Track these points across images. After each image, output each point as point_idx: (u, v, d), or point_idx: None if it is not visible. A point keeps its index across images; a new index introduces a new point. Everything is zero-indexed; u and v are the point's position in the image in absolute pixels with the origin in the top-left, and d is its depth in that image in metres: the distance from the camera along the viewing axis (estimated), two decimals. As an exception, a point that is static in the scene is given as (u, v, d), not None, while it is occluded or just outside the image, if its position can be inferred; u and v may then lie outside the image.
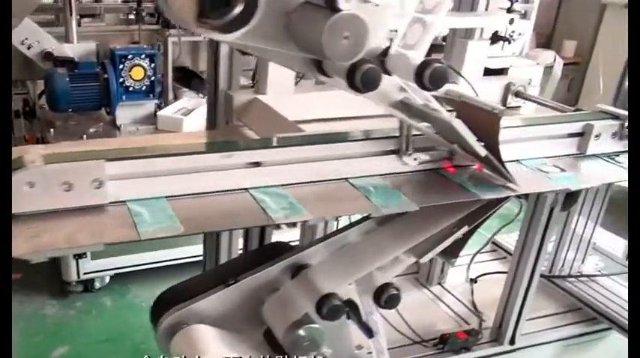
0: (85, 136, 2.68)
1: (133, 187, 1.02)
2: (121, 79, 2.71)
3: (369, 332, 1.25)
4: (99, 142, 1.69)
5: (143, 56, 2.72)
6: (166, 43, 3.08)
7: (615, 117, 1.42)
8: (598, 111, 1.46)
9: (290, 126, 1.41)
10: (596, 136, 1.38)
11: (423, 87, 1.02)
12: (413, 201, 1.09)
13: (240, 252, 1.84)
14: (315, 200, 1.07)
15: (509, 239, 2.43)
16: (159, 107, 2.91)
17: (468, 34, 1.81)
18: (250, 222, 1.06)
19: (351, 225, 1.24)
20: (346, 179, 1.15)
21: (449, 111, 1.17)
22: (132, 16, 3.42)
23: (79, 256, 2.64)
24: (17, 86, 3.23)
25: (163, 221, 0.96)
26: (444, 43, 2.00)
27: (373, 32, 0.95)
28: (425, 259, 1.25)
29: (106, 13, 3.54)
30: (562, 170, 1.29)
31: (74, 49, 2.79)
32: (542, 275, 2.09)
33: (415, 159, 1.22)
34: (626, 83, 1.96)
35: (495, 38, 1.91)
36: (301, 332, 1.14)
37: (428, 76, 1.00)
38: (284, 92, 1.63)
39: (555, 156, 1.35)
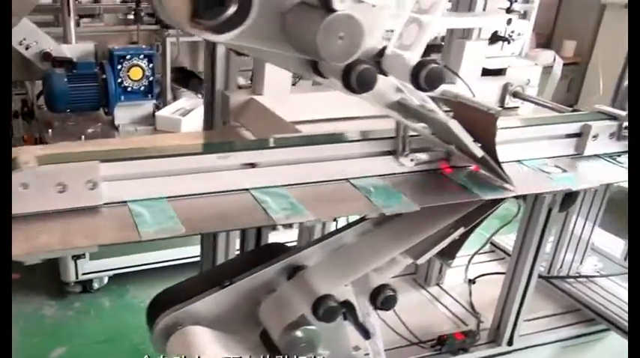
0: (83, 137, 2.67)
1: (129, 188, 1.02)
2: (120, 80, 2.71)
3: (365, 333, 1.24)
4: (95, 143, 1.70)
5: (141, 56, 2.72)
6: (165, 43, 3.08)
7: (613, 117, 1.42)
8: (596, 112, 1.45)
9: (286, 126, 1.40)
10: (594, 137, 1.37)
11: (418, 87, 1.02)
12: (414, 202, 1.08)
13: (237, 252, 1.84)
14: (316, 200, 1.07)
15: (508, 240, 2.43)
16: (157, 107, 2.91)
17: (466, 34, 1.81)
18: (251, 222, 1.05)
19: (348, 226, 1.24)
20: (347, 179, 1.15)
21: (446, 111, 1.17)
22: (131, 17, 3.42)
23: (77, 257, 2.64)
24: (15, 86, 3.23)
25: (164, 222, 0.95)
26: (442, 44, 1.99)
27: (368, 32, 0.95)
28: (422, 260, 1.24)
29: (105, 14, 3.54)
30: (563, 170, 1.29)
31: (72, 50, 2.78)
32: (540, 276, 2.08)
33: (412, 160, 1.21)
34: (625, 83, 1.96)
35: (495, 38, 1.90)
36: (297, 333, 1.14)
37: (424, 76, 0.99)
38: (281, 92, 1.63)
39: (553, 157, 1.35)
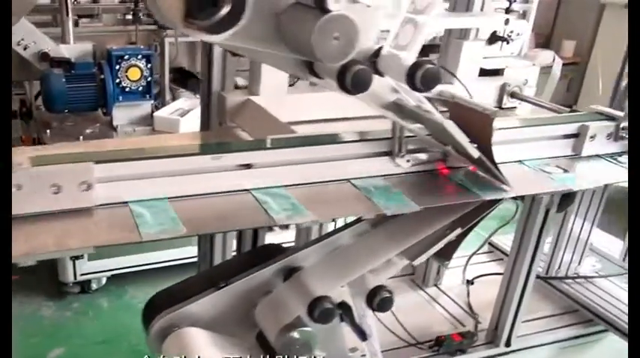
0: (81, 137, 2.67)
1: (124, 189, 1.01)
2: (118, 80, 2.70)
3: (362, 334, 1.24)
4: (91, 144, 1.69)
5: (139, 57, 2.71)
6: (163, 43, 3.08)
7: (611, 118, 1.41)
8: (593, 113, 1.45)
9: (282, 127, 1.40)
10: (592, 137, 1.37)
11: (414, 88, 1.01)
12: (414, 202, 1.08)
13: (234, 253, 1.83)
14: (317, 201, 1.07)
15: (506, 240, 2.42)
16: (156, 108, 2.90)
17: (463, 34, 1.81)
18: (252, 222, 1.05)
19: (344, 227, 1.23)
20: (348, 180, 1.15)
21: (442, 112, 1.17)
22: (129, 17, 3.41)
23: (75, 257, 2.63)
24: (14, 87, 3.22)
25: (165, 222, 0.95)
26: (441, 43, 1.99)
27: (364, 33, 0.94)
28: (418, 261, 1.24)
29: (104, 14, 3.53)
30: (564, 170, 1.29)
31: (70, 50, 2.77)
32: (538, 277, 2.08)
33: (408, 160, 1.21)
34: (623, 84, 1.95)
35: (494, 38, 1.90)
36: (293, 335, 1.13)
37: (420, 77, 0.99)
38: (277, 93, 1.62)
39: (550, 158, 1.34)
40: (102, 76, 2.67)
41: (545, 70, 2.51)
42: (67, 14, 2.76)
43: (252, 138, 1.50)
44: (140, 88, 2.75)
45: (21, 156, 0.95)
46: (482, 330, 1.96)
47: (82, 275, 2.70)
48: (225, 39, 0.90)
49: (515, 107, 1.92)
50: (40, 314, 2.65)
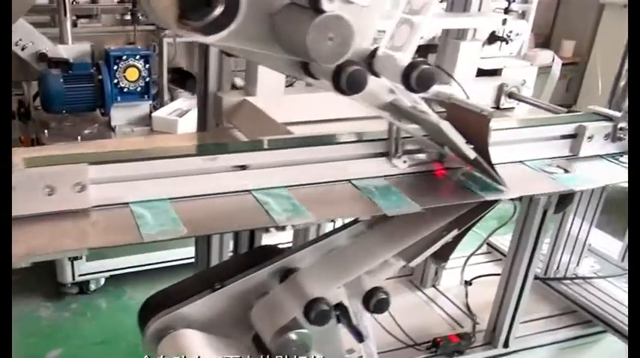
0: (79, 137, 2.66)
1: (122, 190, 1.01)
2: (116, 80, 2.69)
3: (359, 336, 1.24)
4: (88, 145, 1.69)
5: (137, 57, 2.70)
6: (161, 43, 3.07)
7: (608, 118, 1.41)
8: (591, 113, 1.45)
9: (278, 128, 1.40)
10: (589, 138, 1.37)
11: (410, 89, 1.01)
12: (416, 203, 1.08)
13: (231, 254, 1.83)
14: (318, 202, 1.07)
15: (505, 241, 2.41)
16: (154, 108, 2.90)
17: (461, 34, 1.80)
18: (253, 223, 1.05)
19: (340, 228, 1.23)
20: (349, 180, 1.15)
21: (440, 112, 1.16)
22: (128, 17, 3.41)
23: (74, 258, 2.63)
24: (12, 87, 3.22)
25: (166, 223, 0.95)
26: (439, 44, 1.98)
27: (359, 33, 0.94)
28: (414, 263, 1.23)
29: (103, 14, 3.53)
30: (565, 171, 1.28)
31: (68, 50, 2.77)
32: (537, 278, 2.08)
33: (405, 161, 1.21)
34: (621, 84, 1.95)
35: (493, 38, 1.90)
36: (289, 337, 1.13)
37: (415, 77, 0.99)
38: (274, 94, 1.62)
39: (547, 158, 1.34)
40: (100, 77, 2.66)
41: (545, 70, 2.51)
42: (65, 14, 2.76)
43: (248, 138, 1.50)
44: (138, 89, 2.75)
45: (15, 157, 0.95)
46: (480, 331, 1.96)
47: (81, 275, 2.69)
48: (220, 40, 0.89)
49: (513, 107, 1.92)
50: (38, 315, 2.64)
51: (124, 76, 2.70)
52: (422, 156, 1.23)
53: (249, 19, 0.90)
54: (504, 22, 1.79)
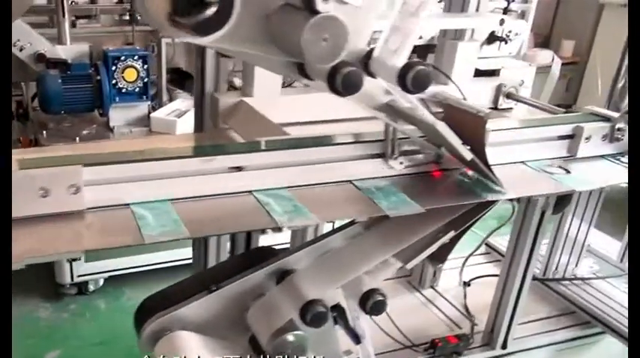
0: (78, 138, 2.66)
1: (116, 192, 1.01)
2: (114, 81, 2.69)
3: (356, 337, 1.23)
4: (82, 146, 1.68)
5: (136, 57, 2.70)
6: (160, 44, 3.06)
7: (606, 119, 1.40)
8: (588, 113, 1.44)
9: (275, 129, 1.39)
10: (587, 139, 1.36)
11: (406, 89, 1.01)
12: (417, 204, 1.08)
13: (229, 255, 1.82)
14: (318, 203, 1.06)
15: (504, 241, 2.40)
16: (153, 109, 2.90)
17: (458, 35, 1.80)
18: (255, 224, 1.05)
19: (337, 229, 1.23)
20: (350, 181, 1.15)
21: (438, 113, 1.16)
22: (126, 18, 3.40)
23: (72, 259, 2.63)
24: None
25: (167, 224, 0.95)
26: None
27: (354, 34, 0.94)
28: (411, 264, 1.23)
29: (102, 14, 3.52)
30: (567, 171, 1.28)
31: (67, 51, 2.77)
32: (535, 278, 2.07)
33: (401, 162, 1.21)
34: (620, 84, 1.94)
35: (492, 38, 1.89)
36: (285, 338, 1.13)
37: (411, 78, 0.99)
38: (271, 94, 1.61)
39: (544, 159, 1.34)
40: (98, 77, 2.66)
41: (545, 70, 2.50)
42: (64, 15, 2.75)
43: (244, 140, 1.50)
44: (137, 89, 2.75)
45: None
46: (479, 332, 1.95)
47: (79, 276, 2.69)
48: (214, 41, 0.89)
49: (511, 108, 1.91)
50: (36, 316, 2.64)
51: (123, 77, 2.70)
52: (419, 157, 1.23)
53: (244, 20, 0.90)
54: (502, 22, 1.78)
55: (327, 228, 1.38)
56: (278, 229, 1.06)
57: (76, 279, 2.69)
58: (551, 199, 1.69)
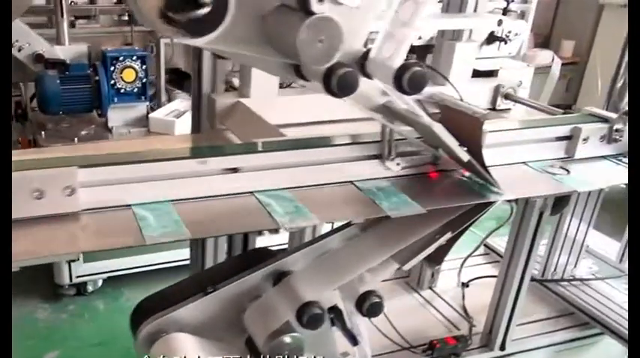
0: (76, 139, 2.66)
1: (113, 194, 1.00)
2: (113, 81, 2.69)
3: (353, 339, 1.23)
4: (78, 147, 1.68)
5: (134, 58, 2.70)
6: (159, 44, 3.06)
7: (604, 120, 1.40)
8: (586, 114, 1.44)
9: (271, 130, 1.39)
10: (584, 140, 1.36)
11: (402, 91, 1.00)
12: (418, 204, 1.07)
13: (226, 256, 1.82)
14: (319, 204, 1.06)
15: (502, 242, 2.40)
16: (151, 109, 2.90)
17: (456, 35, 1.79)
18: (256, 225, 1.05)
19: (334, 231, 1.22)
20: (351, 182, 1.15)
21: (435, 114, 1.16)
22: (125, 18, 3.40)
23: (71, 259, 2.63)
24: (9, 88, 3.21)
25: (168, 225, 0.95)
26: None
27: (350, 35, 0.93)
28: (408, 266, 1.22)
29: (101, 15, 3.52)
30: (568, 172, 1.28)
31: (65, 51, 2.77)
32: (534, 279, 2.06)
33: (398, 164, 1.20)
34: (618, 85, 1.94)
35: (491, 39, 1.89)
36: (282, 340, 1.12)
37: (407, 79, 0.98)
38: (268, 95, 1.61)
39: (542, 160, 1.33)
40: (97, 78, 2.67)
41: (544, 70, 2.50)
42: (62, 15, 2.75)
43: (241, 141, 1.49)
44: (135, 90, 2.75)
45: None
46: (477, 334, 1.94)
47: (78, 277, 2.69)
48: (208, 42, 0.89)
49: (509, 109, 1.91)
50: (35, 317, 2.64)
51: (121, 77, 2.70)
52: (415, 158, 1.22)
53: (238, 22, 0.89)
54: (500, 22, 1.78)
55: (325, 229, 1.37)
56: (275, 230, 1.05)
57: (75, 280, 2.69)
58: (549, 200, 1.69)
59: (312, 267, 1.21)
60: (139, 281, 2.76)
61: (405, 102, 1.09)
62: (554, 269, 2.22)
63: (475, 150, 1.12)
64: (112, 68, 2.68)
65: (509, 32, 1.92)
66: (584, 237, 2.22)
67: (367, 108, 1.11)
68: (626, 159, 1.37)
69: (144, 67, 2.72)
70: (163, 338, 1.13)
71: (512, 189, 1.17)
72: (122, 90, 2.73)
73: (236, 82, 1.84)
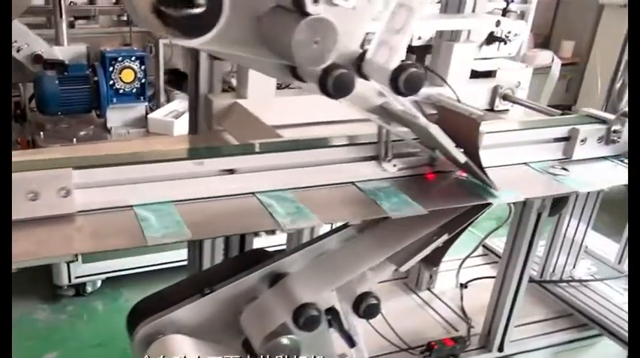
0: (75, 139, 2.66)
1: (110, 195, 1.00)
2: (111, 82, 2.69)
3: (350, 341, 1.23)
4: (76, 148, 1.67)
5: (133, 58, 2.70)
6: (158, 44, 3.05)
7: (602, 121, 1.40)
8: (584, 115, 1.44)
9: (268, 131, 1.39)
10: (582, 141, 1.36)
11: (398, 92, 1.00)
12: (419, 205, 1.07)
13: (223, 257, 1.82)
14: (319, 204, 1.06)
15: (501, 243, 2.39)
16: (150, 109, 2.90)
17: (454, 36, 1.79)
18: (257, 226, 1.05)
19: (331, 232, 1.22)
20: (353, 183, 1.15)
21: (433, 115, 1.16)
22: (124, 18, 3.40)
23: (69, 260, 2.62)
24: (8, 89, 3.21)
25: (170, 226, 0.95)
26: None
27: (345, 36, 0.93)
28: (405, 267, 1.22)
29: (101, 15, 3.52)
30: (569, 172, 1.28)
31: (64, 52, 2.76)
32: (532, 280, 2.06)
33: (394, 165, 1.20)
34: (617, 85, 1.94)
35: (491, 39, 1.88)
36: (278, 342, 1.12)
37: (403, 80, 0.98)
38: (265, 96, 1.61)
39: (540, 161, 1.33)
40: (95, 78, 2.66)
41: (544, 71, 2.50)
42: (61, 16, 2.75)
43: (238, 142, 1.49)
44: (134, 90, 2.75)
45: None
46: (475, 335, 1.94)
47: (77, 278, 2.69)
48: (203, 43, 0.88)
49: (507, 110, 1.91)
50: (34, 318, 2.64)
51: (120, 78, 2.70)
52: (412, 159, 1.22)
53: (233, 22, 0.89)
54: (498, 23, 1.77)
55: (323, 230, 1.37)
56: (271, 231, 1.05)
57: (74, 281, 2.69)
58: (547, 201, 1.68)
59: (308, 268, 1.20)
60: (138, 281, 2.76)
61: (401, 104, 1.09)
62: (553, 270, 2.22)
63: (472, 152, 1.12)
64: (111, 69, 2.67)
65: (509, 32, 1.91)
66: (583, 238, 2.22)
67: (364, 109, 1.11)
68: (625, 160, 1.37)
69: (143, 67, 2.72)
70: (160, 339, 1.12)
71: (514, 189, 1.17)
72: (121, 91, 2.73)
73: (234, 82, 1.84)
